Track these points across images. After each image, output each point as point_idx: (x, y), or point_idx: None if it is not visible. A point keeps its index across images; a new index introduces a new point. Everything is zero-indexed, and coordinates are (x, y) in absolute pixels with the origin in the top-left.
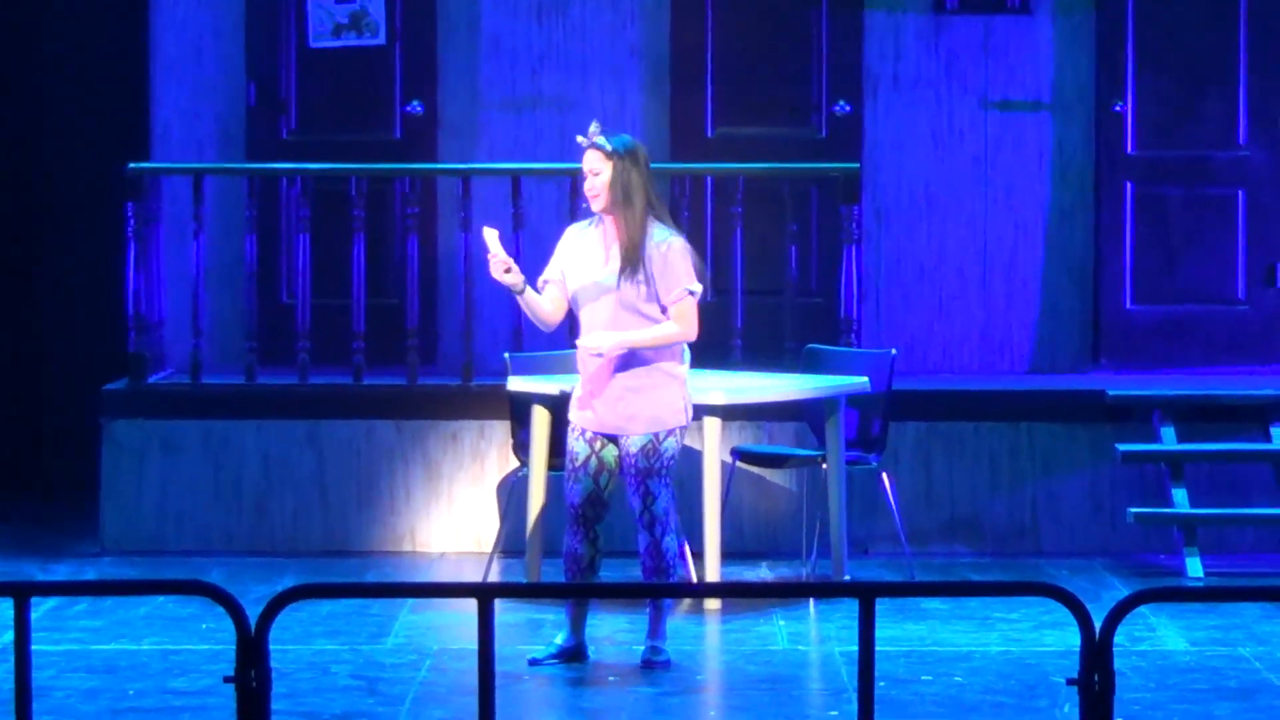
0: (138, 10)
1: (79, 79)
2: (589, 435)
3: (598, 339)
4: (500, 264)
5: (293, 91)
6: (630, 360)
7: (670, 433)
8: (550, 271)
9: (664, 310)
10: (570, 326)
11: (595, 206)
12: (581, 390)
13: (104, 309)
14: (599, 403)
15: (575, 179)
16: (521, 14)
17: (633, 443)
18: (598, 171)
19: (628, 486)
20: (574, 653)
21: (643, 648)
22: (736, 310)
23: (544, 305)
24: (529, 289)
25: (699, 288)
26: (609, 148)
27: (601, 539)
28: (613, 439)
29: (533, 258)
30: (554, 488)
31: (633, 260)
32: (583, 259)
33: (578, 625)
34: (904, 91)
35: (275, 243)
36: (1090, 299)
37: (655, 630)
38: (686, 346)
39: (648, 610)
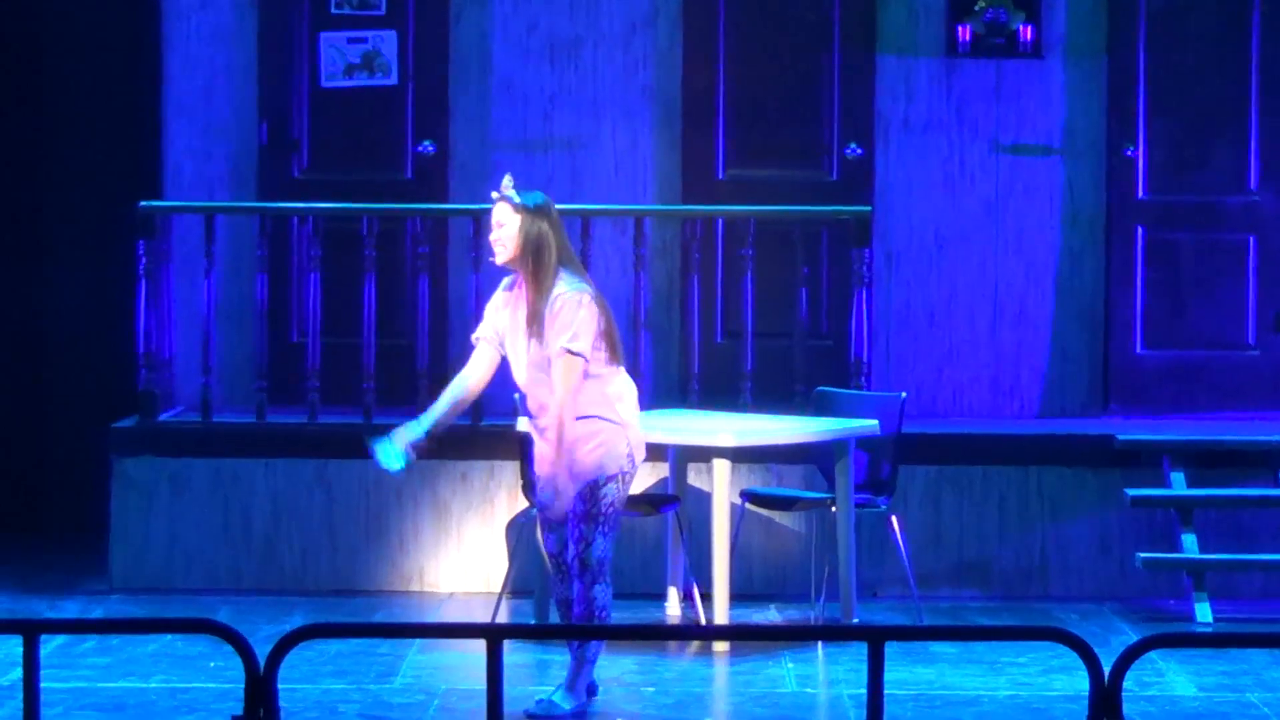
0: (150, 49)
1: (91, 117)
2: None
3: (548, 491)
4: (400, 456)
5: (305, 131)
6: (547, 419)
7: (611, 479)
8: (482, 329)
9: (608, 358)
10: None
11: (499, 258)
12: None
13: (114, 347)
14: (541, 451)
15: (588, 221)
16: (533, 55)
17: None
18: (502, 224)
19: (569, 531)
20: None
21: (664, 685)
22: (747, 352)
23: (457, 391)
24: (424, 425)
25: (579, 347)
26: (517, 200)
27: None
28: None
29: None
30: None
31: (537, 318)
32: (505, 318)
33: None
34: (915, 135)
35: (286, 282)
36: (1100, 343)
37: (572, 684)
38: (627, 388)
39: (569, 662)
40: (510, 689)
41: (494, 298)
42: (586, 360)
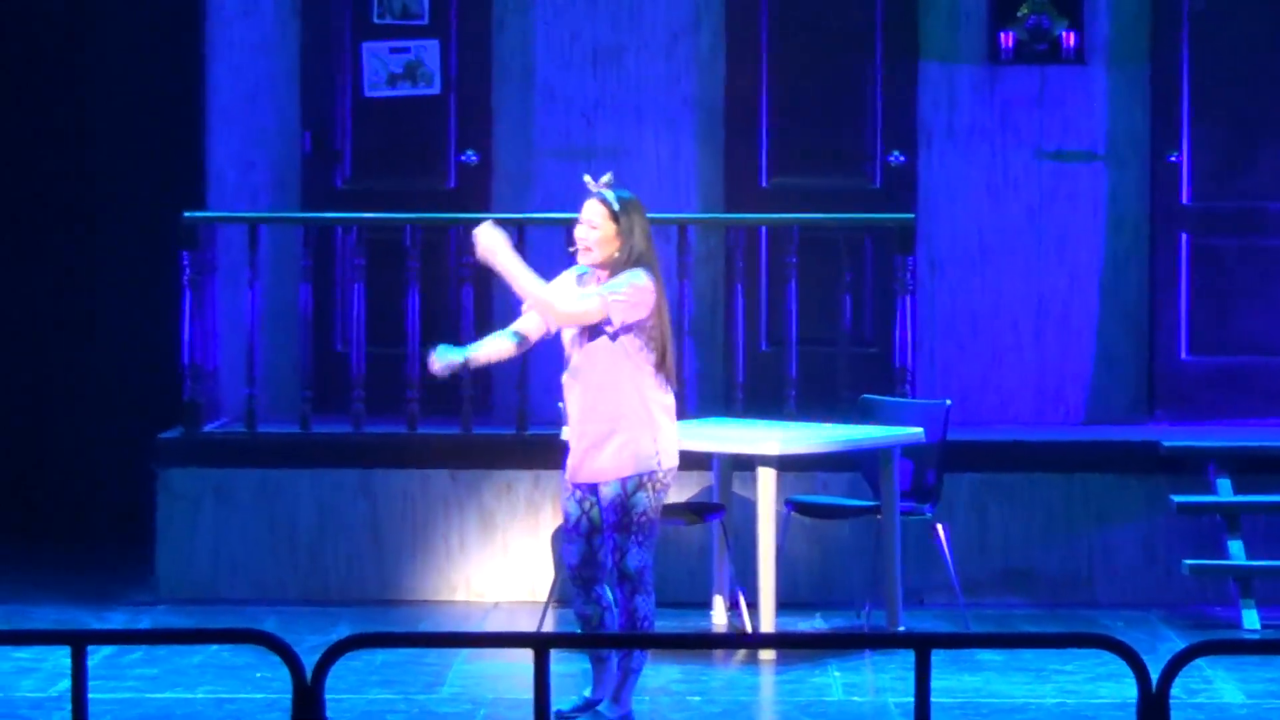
0: (194, 59)
1: (135, 127)
2: (578, 495)
3: (487, 229)
4: (445, 368)
5: (348, 140)
6: (599, 408)
7: (640, 484)
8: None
9: (657, 362)
10: None
11: (586, 260)
12: (571, 440)
13: (159, 357)
14: (575, 453)
15: None
16: (576, 64)
17: (604, 493)
18: (595, 225)
19: (605, 541)
20: (597, 705)
21: (712, 694)
22: (791, 360)
23: (501, 342)
24: (470, 354)
25: (615, 310)
26: (615, 206)
27: (606, 598)
28: (594, 492)
29: None
30: None
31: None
32: None
33: (604, 677)
34: (959, 142)
35: (330, 291)
36: (1145, 350)
37: (618, 695)
38: (671, 394)
39: (616, 672)
40: (556, 698)
41: (564, 278)
42: (609, 327)
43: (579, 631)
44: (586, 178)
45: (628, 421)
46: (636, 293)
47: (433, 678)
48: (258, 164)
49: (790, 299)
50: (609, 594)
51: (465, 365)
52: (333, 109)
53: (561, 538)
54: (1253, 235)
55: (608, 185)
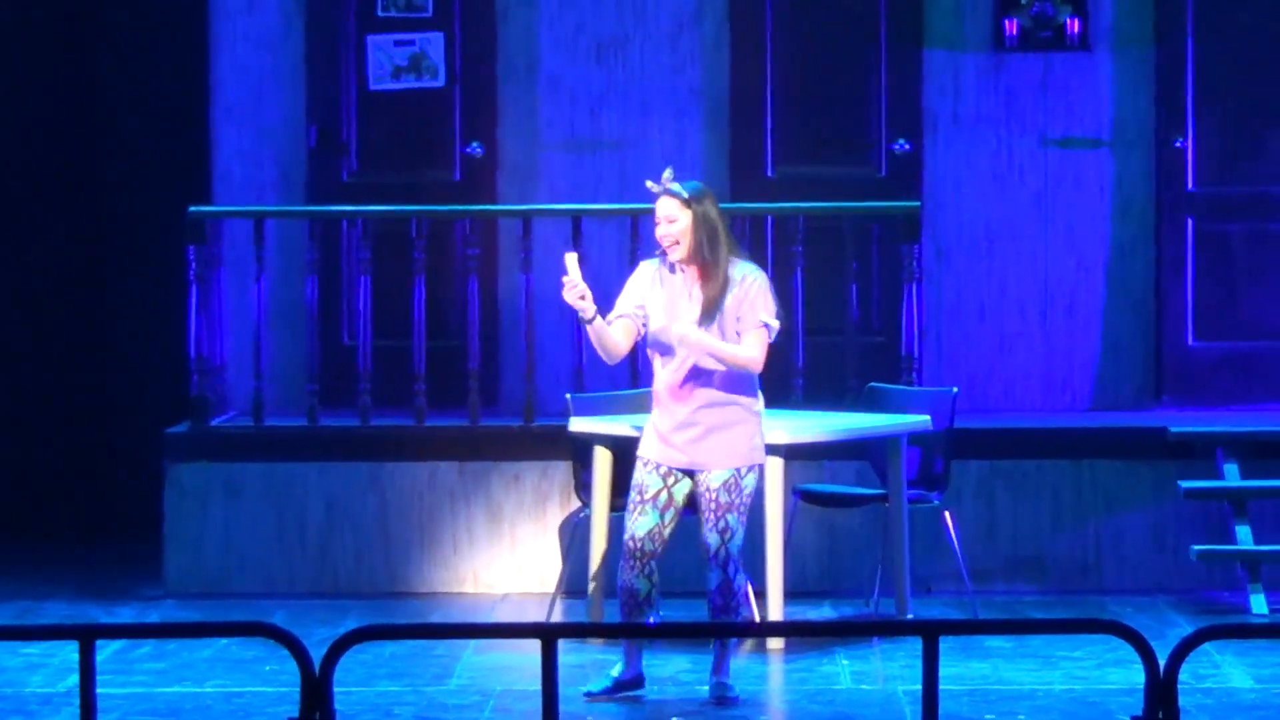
0: (199, 54)
1: (140, 123)
2: (663, 470)
3: (682, 327)
4: (575, 290)
5: (353, 134)
6: (712, 397)
7: (750, 469)
8: (624, 305)
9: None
10: (631, 367)
11: (675, 255)
12: (661, 425)
13: (166, 352)
14: (680, 437)
15: (636, 219)
16: (580, 55)
17: (714, 478)
18: (673, 219)
19: (704, 523)
20: (632, 683)
21: (707, 686)
22: (798, 349)
23: (613, 335)
24: (598, 318)
25: (775, 323)
26: (685, 195)
27: (658, 575)
28: (689, 475)
29: (594, 297)
30: (616, 528)
31: (712, 310)
32: (666, 303)
33: (635, 657)
34: (964, 129)
35: (336, 285)
36: (1152, 336)
37: (720, 666)
38: (760, 389)
39: (714, 647)
40: (565, 688)
41: (641, 274)
42: (771, 341)
43: (621, 606)
44: (649, 183)
45: (742, 412)
46: (770, 294)
47: (441, 670)
48: (263, 158)
49: (796, 288)
50: (657, 571)
51: (590, 323)
52: (338, 102)
53: (632, 510)
54: (1258, 220)
55: (670, 180)
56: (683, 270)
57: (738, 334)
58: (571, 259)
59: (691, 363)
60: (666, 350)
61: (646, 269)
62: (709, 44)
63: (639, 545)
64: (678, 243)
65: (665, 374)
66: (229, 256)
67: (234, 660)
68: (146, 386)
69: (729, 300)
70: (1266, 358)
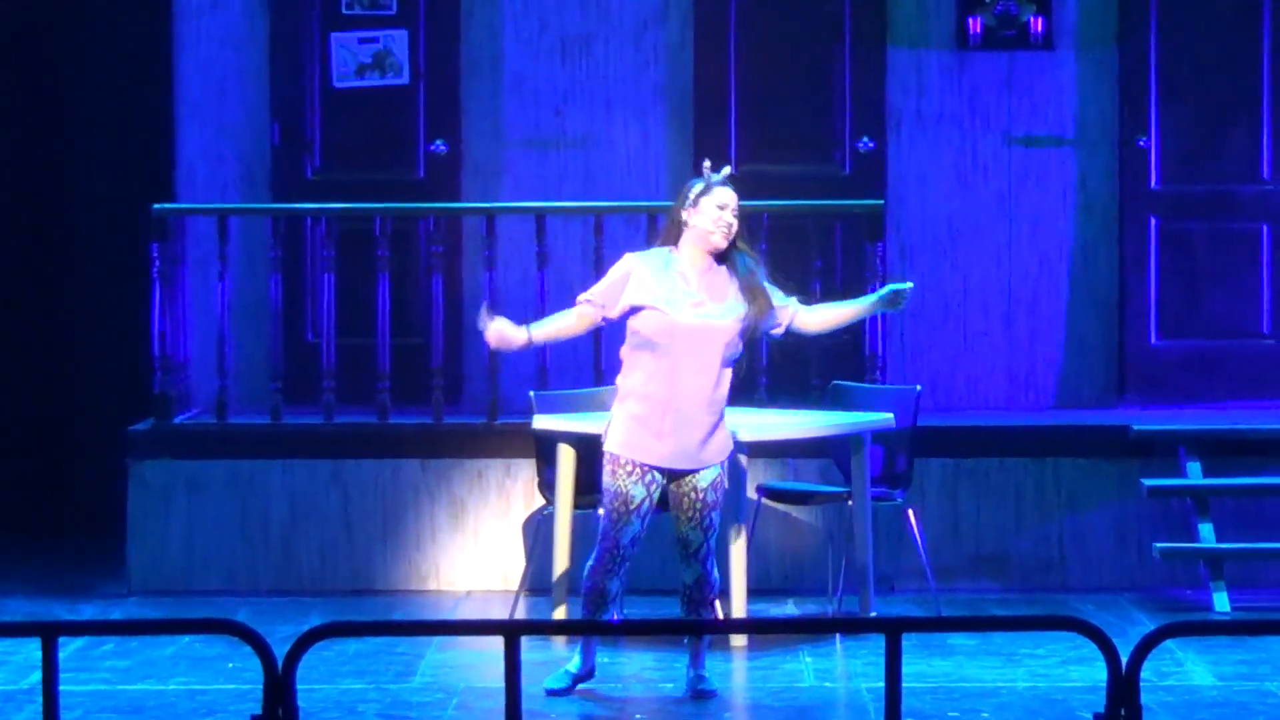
0: (162, 52)
1: (104, 121)
2: (648, 478)
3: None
4: (496, 335)
5: (317, 131)
6: (718, 395)
7: (724, 464)
8: (596, 294)
9: (741, 339)
10: (595, 365)
11: (723, 241)
12: (657, 425)
13: (129, 350)
14: (681, 439)
15: (600, 217)
16: (544, 54)
17: (702, 477)
18: (735, 210)
19: (686, 520)
20: (586, 676)
21: (682, 681)
22: (762, 347)
23: (563, 327)
24: (531, 333)
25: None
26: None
27: (627, 575)
28: (677, 477)
29: (557, 295)
30: (580, 526)
31: (755, 291)
32: (679, 298)
33: (591, 652)
34: (928, 128)
35: (300, 282)
36: (1115, 334)
37: (698, 659)
38: None
39: (687, 642)
40: (528, 686)
41: (639, 271)
42: (777, 328)
43: (585, 604)
44: (708, 168)
45: (721, 408)
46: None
47: (404, 667)
48: (227, 156)
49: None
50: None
51: (529, 344)
52: (302, 100)
53: (618, 520)
54: (1221, 219)
55: (711, 169)
56: (694, 263)
57: (772, 309)
58: (484, 314)
59: (696, 358)
60: (671, 347)
61: (640, 266)
62: (673, 42)
63: (622, 552)
64: (732, 229)
65: (683, 373)
66: (192, 254)
67: (197, 657)
68: (109, 384)
69: (750, 287)
70: (1229, 356)
